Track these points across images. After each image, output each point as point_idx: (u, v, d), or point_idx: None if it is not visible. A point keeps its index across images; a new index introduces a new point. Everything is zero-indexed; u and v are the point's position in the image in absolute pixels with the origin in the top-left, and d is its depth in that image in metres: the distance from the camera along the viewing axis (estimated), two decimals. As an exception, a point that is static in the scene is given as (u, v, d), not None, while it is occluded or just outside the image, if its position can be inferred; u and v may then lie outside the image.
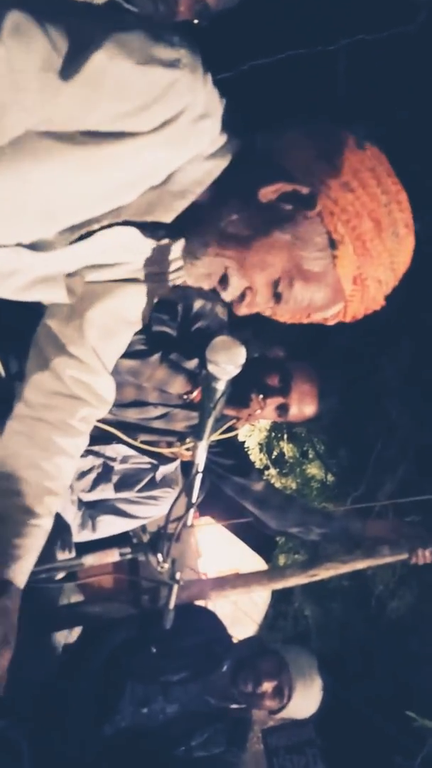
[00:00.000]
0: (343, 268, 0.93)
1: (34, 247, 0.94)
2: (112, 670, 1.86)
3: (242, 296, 0.97)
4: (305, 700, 1.99)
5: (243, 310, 0.98)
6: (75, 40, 0.75)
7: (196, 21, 1.47)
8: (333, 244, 0.92)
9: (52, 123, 0.80)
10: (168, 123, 0.83)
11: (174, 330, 1.81)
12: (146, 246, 1.02)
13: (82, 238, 0.95)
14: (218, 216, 0.94)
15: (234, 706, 1.95)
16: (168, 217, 0.96)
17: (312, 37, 2.90)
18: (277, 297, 0.96)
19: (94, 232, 0.95)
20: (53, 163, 0.83)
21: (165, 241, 1.02)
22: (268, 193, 0.91)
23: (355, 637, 4.04)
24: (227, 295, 0.98)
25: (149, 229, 0.98)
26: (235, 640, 2.14)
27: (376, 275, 0.95)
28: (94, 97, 0.78)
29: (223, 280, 0.96)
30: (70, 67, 0.75)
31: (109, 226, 0.95)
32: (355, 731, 3.46)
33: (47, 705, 1.76)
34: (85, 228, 0.93)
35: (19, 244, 0.94)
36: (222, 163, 0.93)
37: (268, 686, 1.93)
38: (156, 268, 1.08)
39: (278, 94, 2.91)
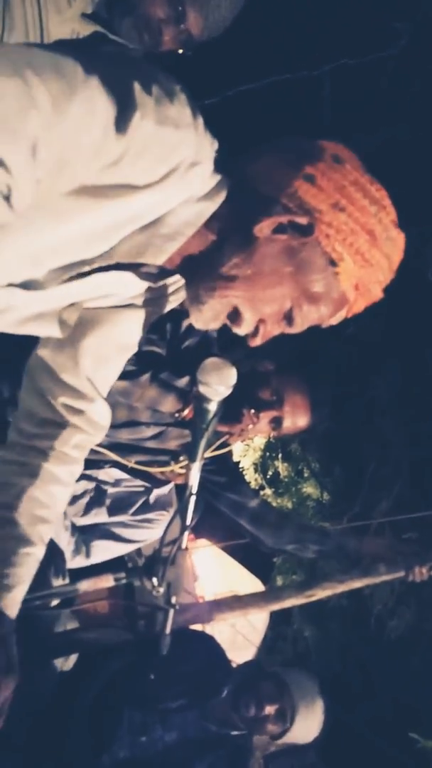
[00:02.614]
0: (345, 281, 0.96)
1: (26, 286, 0.95)
2: (109, 697, 1.83)
3: (256, 330, 0.99)
4: (308, 722, 1.96)
5: (258, 342, 1.01)
6: (121, 102, 0.77)
7: (181, 50, 1.50)
8: (333, 263, 0.94)
9: (85, 181, 0.82)
10: (165, 177, 0.86)
11: (163, 349, 1.82)
12: (139, 283, 1.04)
13: (74, 278, 0.96)
14: (219, 261, 0.95)
15: (235, 732, 1.92)
16: (159, 259, 0.97)
17: (296, 63, 2.96)
18: (289, 322, 0.99)
19: (86, 273, 0.96)
20: (58, 219, 0.85)
21: (159, 280, 1.04)
22: (263, 228, 0.93)
23: (355, 657, 4.00)
24: (241, 331, 1.00)
25: (142, 270, 0.99)
26: (234, 665, 2.11)
27: (377, 278, 0.98)
28: (125, 154, 0.80)
29: (235, 317, 0.98)
30: (119, 129, 0.78)
31: (102, 269, 0.96)
32: (358, 754, 3.40)
33: (43, 735, 1.73)
34: (76, 269, 0.94)
35: (10, 284, 0.95)
36: (213, 204, 0.95)
37: (270, 709, 1.90)
38: (150, 295, 1.09)
39: (264, 118, 2.96)
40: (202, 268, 0.97)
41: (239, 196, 0.95)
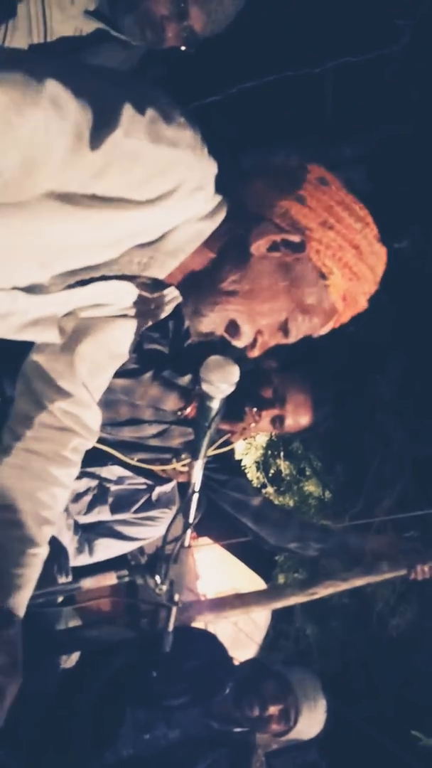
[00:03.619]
0: (334, 293, 1.03)
1: (29, 290, 0.98)
2: (111, 695, 1.83)
3: (254, 341, 1.05)
4: (311, 721, 1.96)
5: (256, 353, 1.06)
6: (100, 114, 0.81)
7: (183, 47, 1.49)
8: (323, 276, 1.01)
9: (64, 186, 0.85)
10: (164, 196, 0.89)
11: (165, 347, 1.82)
12: (136, 294, 1.08)
13: (77, 284, 0.99)
14: (218, 277, 1.01)
15: (237, 729, 1.93)
16: (161, 274, 1.02)
17: (299, 60, 2.96)
18: (285, 333, 1.06)
19: (89, 281, 0.99)
20: (53, 220, 0.88)
21: (154, 292, 1.08)
22: (260, 246, 0.99)
23: (357, 655, 4.00)
24: (239, 343, 1.05)
25: (140, 281, 1.04)
26: (236, 662, 2.11)
27: (363, 290, 1.05)
28: (108, 167, 0.83)
29: (234, 330, 1.03)
30: (95, 139, 0.81)
31: (104, 278, 0.99)
32: (359, 752, 3.40)
33: (47, 732, 1.73)
34: (80, 275, 0.97)
35: (14, 288, 0.97)
36: (213, 223, 1.00)
37: (274, 710, 1.90)
38: (144, 306, 1.12)
39: (267, 116, 2.95)
40: (201, 284, 1.02)
41: (236, 215, 1.00)
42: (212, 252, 1.01)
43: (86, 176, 0.84)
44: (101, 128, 0.81)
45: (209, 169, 0.95)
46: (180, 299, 1.11)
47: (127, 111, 0.82)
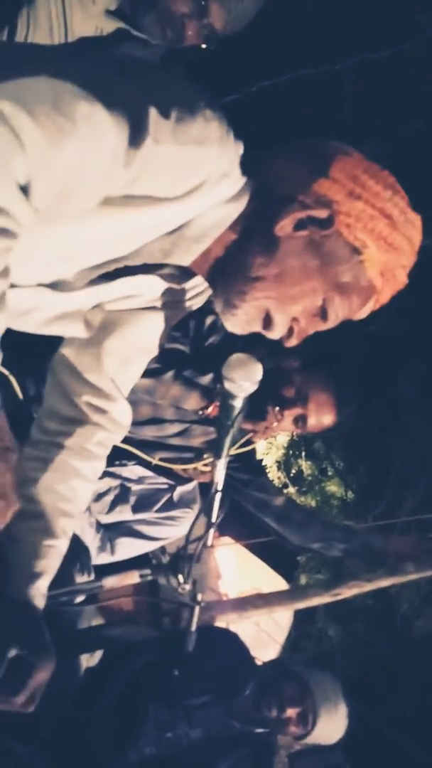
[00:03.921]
0: (371, 267, 0.97)
1: (54, 286, 0.97)
2: (134, 693, 1.83)
3: (290, 330, 1.00)
4: (330, 725, 1.94)
5: (294, 342, 1.01)
6: (131, 127, 0.77)
7: (204, 45, 1.49)
8: (357, 251, 0.95)
9: (97, 199, 0.83)
10: (193, 191, 0.87)
11: (187, 346, 1.82)
12: (163, 285, 1.06)
13: (101, 278, 0.98)
14: (244, 263, 0.96)
15: (259, 730, 1.92)
16: (186, 260, 0.99)
17: (318, 57, 2.94)
18: (323, 316, 1.00)
19: (113, 274, 0.97)
20: (80, 222, 0.86)
21: (181, 283, 1.06)
22: (284, 226, 0.94)
23: (381, 656, 3.96)
24: (275, 335, 1.00)
25: (165, 272, 1.01)
26: (258, 662, 2.10)
27: (401, 262, 0.98)
28: (139, 177, 0.82)
29: (268, 322, 0.99)
30: (129, 155, 0.78)
31: (129, 271, 0.97)
32: (384, 754, 3.37)
33: (70, 730, 1.74)
34: (104, 268, 0.96)
35: (39, 284, 0.97)
36: (239, 206, 0.96)
37: (292, 712, 1.89)
38: (171, 297, 1.10)
39: (286, 114, 2.94)
40: (228, 272, 0.98)
41: (260, 196, 0.96)
42: (236, 237, 0.97)
43: (119, 186, 0.82)
44: (134, 143, 0.78)
45: (235, 153, 0.92)
46: (209, 292, 1.09)
47: (153, 116, 0.79)
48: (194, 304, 1.14)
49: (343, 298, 0.98)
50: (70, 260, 0.94)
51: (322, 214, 0.93)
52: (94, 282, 0.98)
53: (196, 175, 0.86)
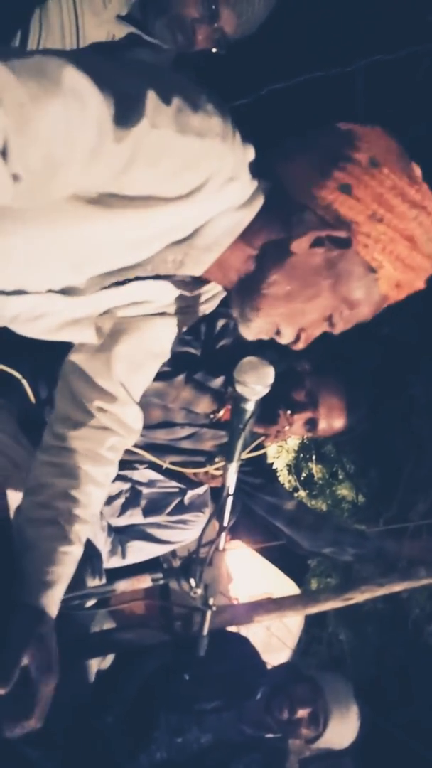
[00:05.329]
0: (385, 284, 0.96)
1: (65, 292, 0.97)
2: (145, 698, 1.83)
3: (298, 336, 1.02)
4: (342, 727, 1.93)
5: (301, 346, 1.03)
6: (123, 104, 0.75)
7: (214, 49, 1.49)
8: (373, 270, 0.94)
9: (90, 185, 0.81)
10: (196, 190, 0.85)
11: (198, 350, 1.81)
12: (174, 292, 1.05)
13: (112, 286, 0.97)
14: (259, 278, 0.97)
15: (269, 735, 1.91)
16: (198, 270, 0.99)
17: (329, 60, 2.93)
18: (331, 324, 1.01)
19: (124, 282, 0.97)
20: (83, 224, 0.85)
21: (193, 290, 1.06)
22: (301, 243, 0.93)
23: (392, 661, 3.93)
24: (283, 341, 1.03)
25: (177, 279, 1.01)
26: (269, 667, 2.09)
27: (418, 278, 0.97)
28: (133, 161, 0.79)
29: (277, 332, 1.02)
30: (119, 130, 0.75)
31: (140, 278, 0.97)
32: (394, 760, 3.35)
33: (81, 734, 1.74)
34: (115, 277, 0.95)
35: (50, 290, 0.97)
36: (252, 212, 0.94)
37: (303, 713, 1.89)
38: (182, 303, 1.10)
39: (297, 117, 2.93)
40: (242, 285, 0.98)
41: (275, 203, 0.94)
42: (251, 247, 0.96)
43: (112, 172, 0.79)
44: (125, 119, 0.75)
45: (243, 156, 0.89)
46: (223, 294, 1.09)
47: (152, 101, 0.77)
48: (206, 309, 1.14)
49: (353, 312, 0.99)
50: (81, 267, 0.94)
51: (341, 234, 0.91)
52: (105, 289, 0.97)
53: (197, 171, 0.84)
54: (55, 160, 0.74)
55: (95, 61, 0.78)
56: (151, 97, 0.77)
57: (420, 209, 0.92)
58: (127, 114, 0.75)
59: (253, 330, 1.02)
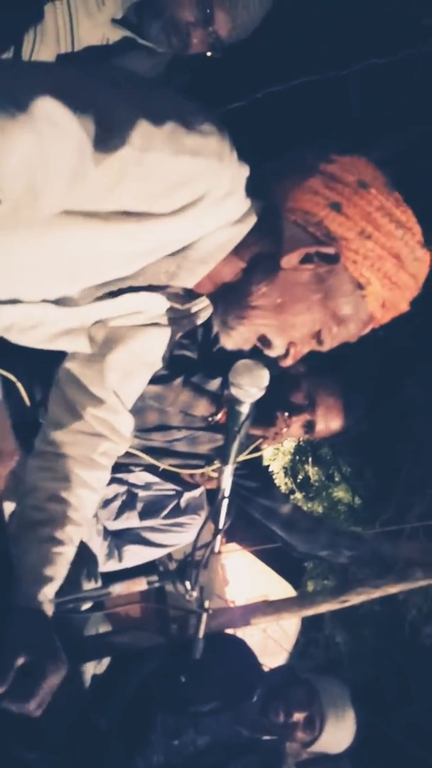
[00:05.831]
0: (372, 302, 0.98)
1: (59, 302, 0.98)
2: (142, 700, 1.83)
3: (287, 351, 1.02)
4: (338, 731, 1.93)
5: (289, 362, 1.04)
6: (104, 128, 0.75)
7: (209, 53, 1.49)
8: (360, 286, 0.96)
9: (79, 204, 0.82)
10: (189, 206, 0.86)
11: (195, 353, 1.82)
12: (166, 304, 1.07)
13: (106, 296, 0.99)
14: (247, 290, 0.97)
15: (266, 737, 1.91)
16: (190, 282, 1.00)
17: (324, 63, 2.94)
18: (319, 342, 1.02)
19: (118, 292, 0.98)
20: (75, 237, 0.86)
21: (185, 303, 1.07)
22: (291, 259, 0.95)
23: (389, 663, 3.94)
24: (272, 354, 1.03)
25: (170, 291, 1.02)
26: (265, 669, 2.09)
27: (404, 297, 1.00)
28: (120, 181, 0.79)
29: (265, 341, 1.01)
30: (98, 155, 0.76)
31: (133, 289, 0.98)
32: (392, 762, 3.35)
33: (77, 737, 1.73)
34: (109, 287, 0.97)
35: (44, 300, 0.98)
36: (245, 227, 0.96)
37: (299, 717, 1.89)
38: (175, 314, 1.11)
39: (293, 120, 2.94)
40: (230, 295, 0.99)
41: (267, 218, 0.96)
42: (242, 261, 0.98)
43: (99, 192, 0.80)
44: (105, 143, 0.75)
45: (239, 173, 0.91)
46: (212, 308, 1.10)
47: (142, 126, 0.78)
48: (197, 320, 1.16)
49: (341, 328, 1.00)
50: (75, 278, 0.95)
51: (330, 250, 0.94)
52: (98, 299, 0.99)
53: (191, 188, 0.85)
54: (35, 186, 0.75)
55: (78, 82, 0.78)
56: (141, 123, 0.78)
57: (406, 229, 0.96)
58: (107, 138, 0.76)
59: (233, 338, 1.01)
